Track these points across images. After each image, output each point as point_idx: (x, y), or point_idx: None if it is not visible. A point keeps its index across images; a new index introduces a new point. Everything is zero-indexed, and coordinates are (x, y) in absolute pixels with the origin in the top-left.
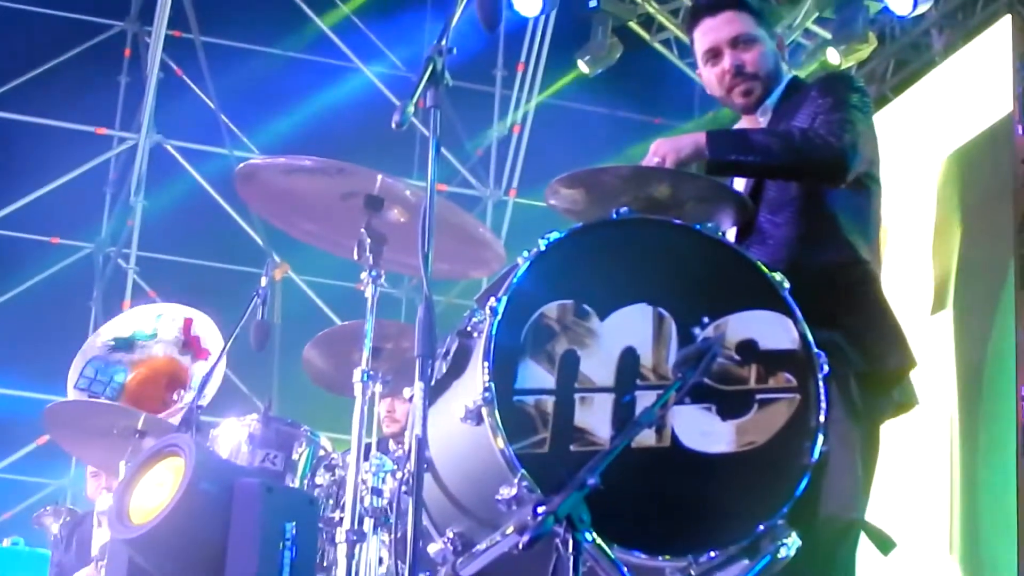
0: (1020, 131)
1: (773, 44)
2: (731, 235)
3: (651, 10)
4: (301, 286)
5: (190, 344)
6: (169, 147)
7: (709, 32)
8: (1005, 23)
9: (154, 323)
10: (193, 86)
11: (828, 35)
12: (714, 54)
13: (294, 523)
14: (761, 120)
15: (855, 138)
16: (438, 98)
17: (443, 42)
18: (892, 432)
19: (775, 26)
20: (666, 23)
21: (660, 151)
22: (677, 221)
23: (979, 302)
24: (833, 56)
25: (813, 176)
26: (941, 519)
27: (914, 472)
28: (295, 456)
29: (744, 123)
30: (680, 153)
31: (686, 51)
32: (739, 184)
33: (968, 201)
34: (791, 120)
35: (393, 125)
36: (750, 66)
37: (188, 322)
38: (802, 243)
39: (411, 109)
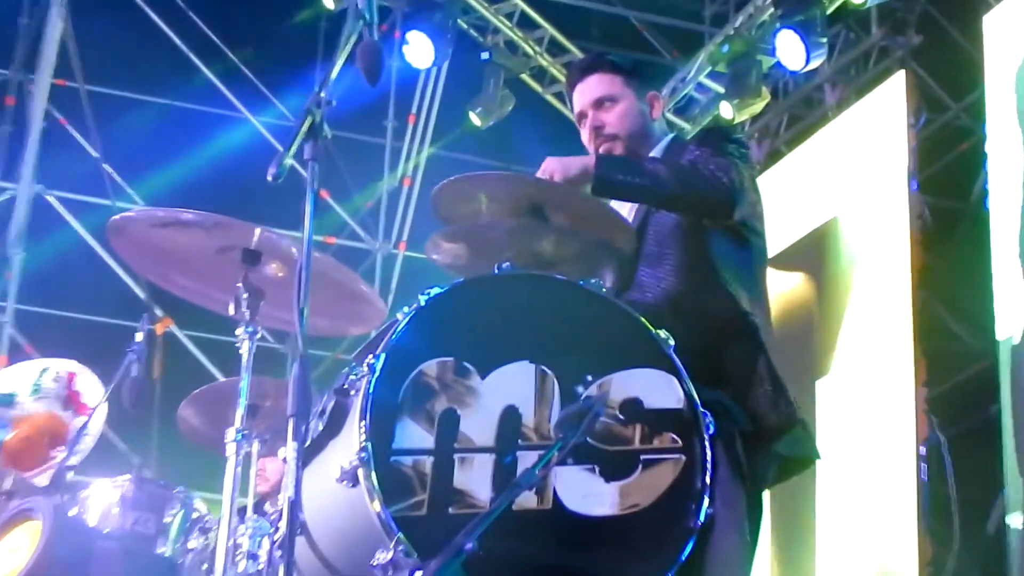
0: (915, 186)
1: (643, 103)
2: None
3: (544, 63)
4: (184, 341)
5: (71, 399)
6: (51, 198)
7: (579, 95)
8: (899, 79)
9: (38, 377)
10: (77, 136)
11: (721, 89)
12: (581, 116)
13: None
14: None
15: (740, 180)
16: (316, 151)
17: (322, 93)
18: (790, 491)
19: (653, 83)
20: (559, 75)
21: (549, 168)
22: (560, 277)
23: (877, 361)
24: (726, 110)
25: (699, 208)
26: None
27: (813, 533)
28: (167, 519)
29: None
30: (568, 172)
31: None
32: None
33: (863, 257)
34: None
35: (269, 178)
36: (609, 126)
37: (71, 376)
38: (682, 296)
39: (288, 162)
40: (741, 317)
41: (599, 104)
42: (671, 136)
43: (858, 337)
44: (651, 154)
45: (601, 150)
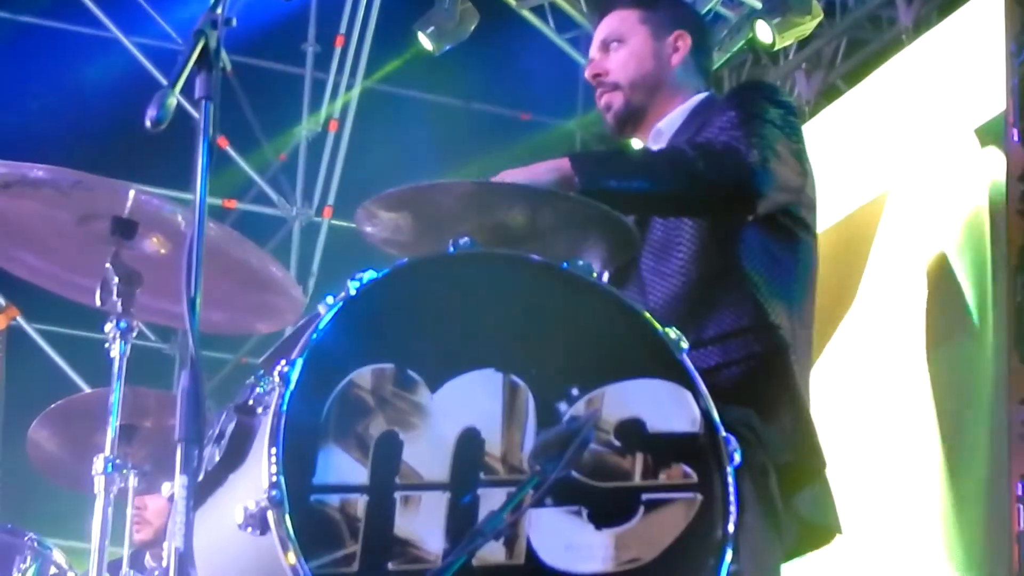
0: (1016, 137)
1: (663, 45)
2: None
3: None
4: (35, 339)
5: None
6: None
7: (593, 42)
8: None
9: None
10: None
11: (758, 4)
12: (590, 64)
13: None
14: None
15: (767, 155)
16: (211, 86)
17: (218, 10)
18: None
19: (684, 23)
20: None
21: None
22: (536, 257)
23: (954, 371)
24: (764, 32)
25: (713, 203)
26: None
27: None
28: (15, 575)
29: None
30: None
31: (565, 23)
32: None
33: (942, 231)
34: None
35: (147, 123)
36: (611, 74)
37: None
38: (693, 300)
39: (172, 101)
40: (767, 331)
41: (605, 47)
42: (704, 95)
43: (929, 339)
44: (670, 115)
45: (602, 104)
